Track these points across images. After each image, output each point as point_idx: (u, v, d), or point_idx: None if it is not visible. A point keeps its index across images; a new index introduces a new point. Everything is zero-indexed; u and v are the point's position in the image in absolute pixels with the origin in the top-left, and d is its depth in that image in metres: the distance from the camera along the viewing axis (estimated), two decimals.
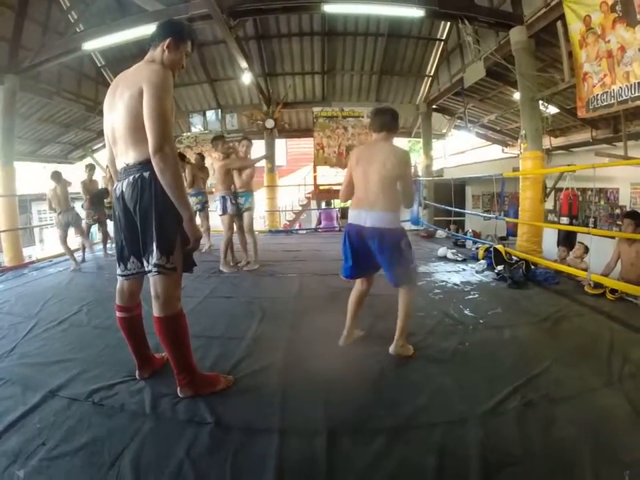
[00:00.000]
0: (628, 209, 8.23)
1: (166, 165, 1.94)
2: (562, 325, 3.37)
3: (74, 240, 7.56)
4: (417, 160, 12.73)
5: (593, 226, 9.00)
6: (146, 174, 2.03)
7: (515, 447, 1.84)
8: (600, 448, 1.79)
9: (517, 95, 7.88)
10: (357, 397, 2.26)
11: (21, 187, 8.00)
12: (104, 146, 2.38)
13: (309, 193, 16.64)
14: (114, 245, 2.51)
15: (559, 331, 3.27)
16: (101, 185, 7.41)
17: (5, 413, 2.09)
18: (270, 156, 6.59)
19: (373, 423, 2.03)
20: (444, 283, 4.72)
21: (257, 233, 8.25)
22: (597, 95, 5.51)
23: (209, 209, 7.24)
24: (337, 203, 14.07)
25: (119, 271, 2.30)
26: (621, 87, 5.08)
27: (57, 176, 6.11)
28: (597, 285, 4.18)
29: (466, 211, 12.52)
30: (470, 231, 10.71)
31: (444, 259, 6.15)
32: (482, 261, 5.49)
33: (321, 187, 12.63)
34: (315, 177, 12.73)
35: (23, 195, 8.51)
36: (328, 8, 7.07)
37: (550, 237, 8.33)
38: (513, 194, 10.44)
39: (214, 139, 5.59)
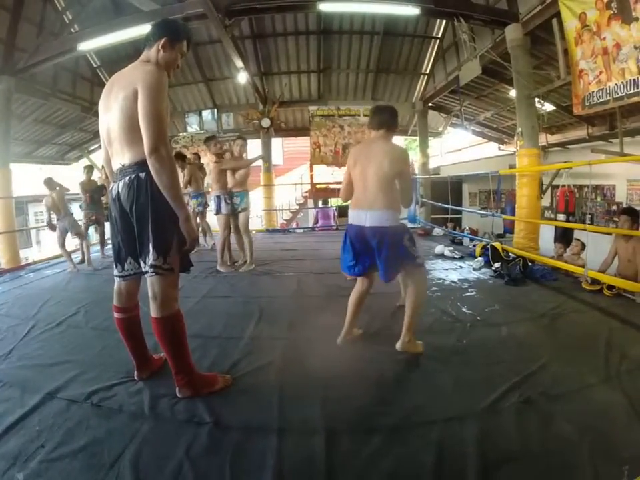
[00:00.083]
0: (624, 206, 8.28)
1: (162, 166, 1.94)
2: (559, 322, 3.38)
3: (71, 242, 7.53)
4: (414, 158, 12.72)
5: (589, 222, 9.03)
6: (142, 174, 2.03)
7: (513, 444, 1.84)
8: (598, 444, 1.80)
9: (512, 93, 7.90)
10: (355, 396, 2.26)
11: (17, 189, 7.97)
12: (100, 147, 2.37)
13: (305, 192, 16.64)
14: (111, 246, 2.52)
15: (557, 327, 3.28)
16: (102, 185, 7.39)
17: (4, 416, 2.09)
18: (264, 156, 6.61)
19: (372, 422, 2.03)
20: (441, 281, 4.73)
21: (253, 232, 8.28)
22: (593, 92, 5.52)
23: (207, 210, 7.25)
24: (333, 202, 14.08)
25: (116, 272, 2.29)
26: (616, 84, 5.09)
27: (49, 183, 6.09)
28: (594, 282, 4.20)
29: (463, 209, 12.53)
30: (467, 228, 10.72)
31: (441, 256, 6.16)
32: (479, 259, 5.50)
33: (317, 186, 12.65)
34: (311, 176, 12.75)
35: (19, 196, 8.47)
36: (323, 6, 7.07)
37: (547, 233, 8.36)
38: (510, 191, 10.46)
39: (206, 140, 5.59)
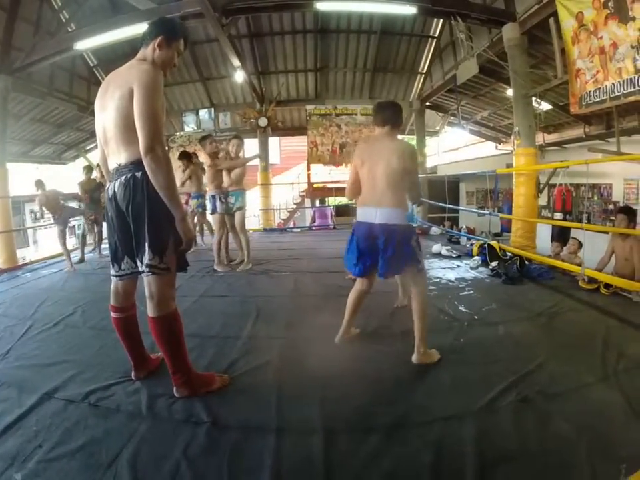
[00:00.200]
0: (621, 204, 8.31)
1: (157, 166, 1.93)
2: (556, 321, 3.39)
3: (70, 241, 7.54)
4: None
5: (586, 221, 9.06)
6: (138, 174, 2.02)
7: (511, 443, 1.85)
8: (596, 442, 1.80)
9: (510, 92, 7.92)
10: (353, 395, 2.26)
11: (14, 189, 7.94)
12: (97, 146, 2.36)
13: (303, 191, 16.65)
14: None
15: (554, 326, 3.28)
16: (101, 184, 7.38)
17: (1, 416, 2.08)
18: (261, 155, 6.58)
19: (370, 421, 2.03)
20: (438, 280, 4.73)
21: (250, 231, 8.27)
22: (590, 91, 5.54)
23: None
24: (331, 201, 14.08)
25: (112, 272, 2.29)
26: (613, 83, 5.10)
27: (40, 184, 6.08)
28: (591, 280, 4.21)
29: (460, 208, 12.56)
30: (464, 227, 10.76)
31: (438, 255, 6.17)
32: (476, 257, 5.51)
33: (314, 185, 12.65)
34: (308, 175, 12.76)
35: (16, 196, 8.44)
36: (320, 5, 7.06)
37: (544, 232, 8.37)
38: (507, 190, 10.50)
39: (202, 139, 5.57)
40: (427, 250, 6.53)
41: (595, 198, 9.80)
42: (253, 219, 13.10)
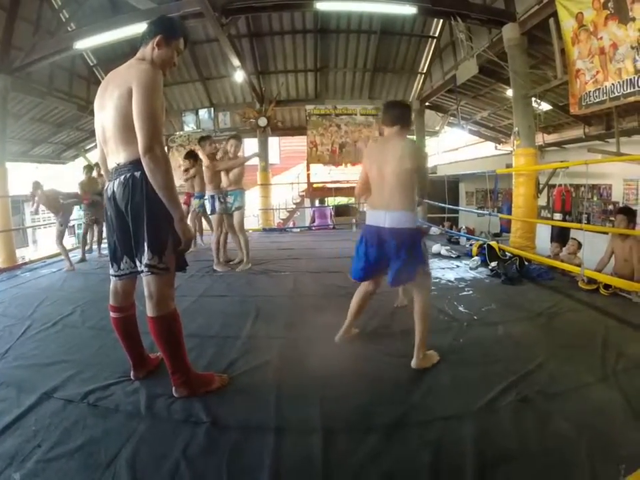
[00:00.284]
0: (621, 205, 8.30)
1: (156, 166, 1.93)
2: (556, 321, 3.39)
3: (68, 241, 7.54)
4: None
5: (586, 222, 9.07)
6: (137, 173, 2.02)
7: (511, 443, 1.85)
8: (595, 442, 1.81)
9: (509, 92, 7.92)
10: (353, 395, 2.26)
11: (13, 188, 7.94)
12: (96, 146, 2.36)
13: (302, 191, 16.64)
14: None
15: (553, 326, 3.28)
16: (100, 183, 7.37)
17: (0, 415, 2.08)
18: (260, 154, 6.55)
19: (369, 421, 2.03)
20: (438, 280, 4.73)
21: (250, 231, 8.26)
22: (590, 91, 5.54)
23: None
24: (330, 201, 14.07)
25: (112, 271, 2.28)
26: (613, 84, 5.11)
27: (37, 185, 6.07)
28: (591, 281, 4.21)
29: (460, 208, 12.57)
30: (464, 227, 10.77)
31: (438, 255, 6.16)
32: (476, 258, 5.51)
33: (314, 185, 12.64)
34: (308, 175, 12.75)
35: (15, 195, 8.43)
36: (320, 5, 7.06)
37: (543, 233, 8.38)
38: (507, 190, 10.49)
39: (201, 139, 5.56)
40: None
41: (595, 198, 9.80)
42: (252, 219, 13.10)
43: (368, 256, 2.72)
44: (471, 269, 5.24)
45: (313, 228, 10.98)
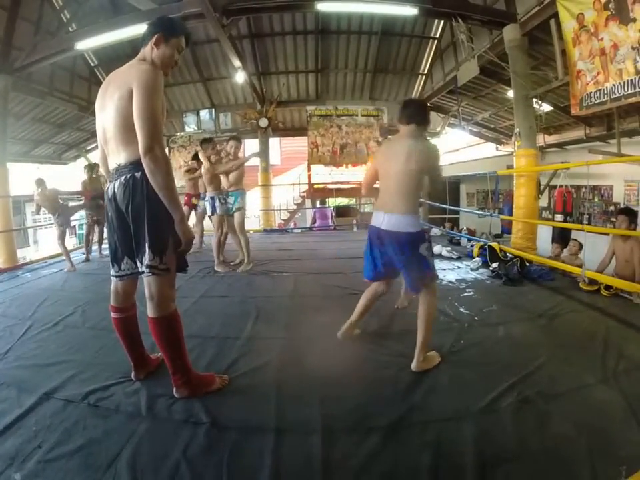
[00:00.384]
0: (622, 206, 8.30)
1: (156, 166, 1.92)
2: (557, 322, 3.38)
3: (69, 241, 7.55)
4: None
5: (587, 223, 9.06)
6: (137, 174, 2.02)
7: (511, 444, 1.85)
8: (596, 443, 1.81)
9: (510, 93, 7.92)
10: (353, 396, 2.26)
11: (14, 188, 7.95)
12: (97, 146, 2.36)
13: (303, 192, 16.63)
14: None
15: (554, 327, 3.28)
16: (102, 183, 7.38)
17: (1, 416, 2.08)
18: (258, 154, 6.47)
19: (369, 421, 2.03)
20: (439, 281, 4.70)
21: (251, 232, 8.26)
22: (591, 92, 5.53)
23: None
24: (331, 202, 14.06)
25: (112, 272, 2.28)
26: (614, 85, 5.10)
27: (40, 182, 6.09)
28: (592, 282, 4.20)
29: (460, 209, 12.55)
30: (465, 228, 10.74)
31: (439, 256, 6.15)
32: (477, 259, 5.50)
33: (315, 186, 12.63)
34: (309, 176, 12.73)
35: (16, 196, 8.44)
36: (321, 6, 7.06)
37: (544, 234, 8.37)
38: (508, 191, 10.49)
39: (203, 142, 5.55)
40: None
41: (596, 199, 9.80)
42: (253, 220, 13.10)
43: (374, 256, 2.73)
44: (472, 269, 5.23)
45: (314, 229, 10.98)
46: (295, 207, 17.53)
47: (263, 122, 11.78)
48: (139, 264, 2.12)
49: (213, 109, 12.56)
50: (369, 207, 12.57)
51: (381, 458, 1.78)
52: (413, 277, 2.60)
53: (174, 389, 2.23)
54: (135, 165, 2.01)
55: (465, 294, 4.23)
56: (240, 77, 9.64)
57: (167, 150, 11.76)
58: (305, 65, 11.59)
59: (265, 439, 1.90)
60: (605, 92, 5.27)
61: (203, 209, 6.81)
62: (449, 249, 6.37)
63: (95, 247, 7.33)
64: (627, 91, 4.92)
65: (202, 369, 2.51)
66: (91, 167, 7.15)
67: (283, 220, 16.29)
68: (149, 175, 1.94)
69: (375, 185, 2.89)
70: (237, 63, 8.72)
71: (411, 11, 7.05)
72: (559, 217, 9.87)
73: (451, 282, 4.70)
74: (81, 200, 7.11)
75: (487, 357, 2.72)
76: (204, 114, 12.61)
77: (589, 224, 9.14)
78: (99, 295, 4.21)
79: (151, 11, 6.63)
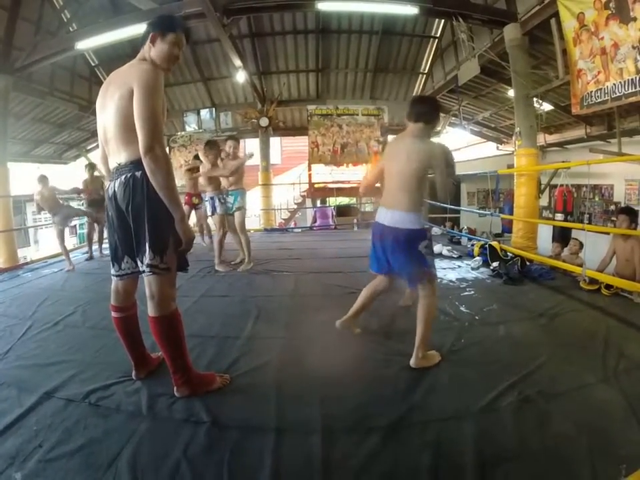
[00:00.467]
0: (622, 205, 8.29)
1: (157, 166, 1.92)
2: (557, 321, 3.38)
3: (69, 241, 7.55)
4: None
5: (587, 222, 9.05)
6: (138, 173, 2.02)
7: (512, 443, 1.85)
8: (596, 442, 1.81)
9: (511, 92, 7.92)
10: (353, 395, 2.26)
11: (15, 188, 7.95)
12: (98, 146, 2.36)
13: (304, 191, 16.63)
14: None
15: (555, 326, 3.28)
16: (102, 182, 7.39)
17: (1, 415, 2.08)
18: (252, 154, 6.40)
19: (369, 421, 2.03)
20: (439, 280, 4.70)
21: (251, 231, 8.25)
22: (591, 91, 5.53)
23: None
24: (332, 201, 14.06)
25: (113, 271, 2.28)
26: (614, 84, 5.09)
27: (42, 180, 6.10)
28: (592, 281, 4.20)
29: (461, 208, 12.54)
30: (465, 227, 10.72)
31: (439, 255, 6.14)
32: (477, 258, 5.50)
33: (316, 185, 12.64)
34: (309, 175, 12.74)
35: (17, 195, 8.44)
36: (322, 6, 7.06)
37: (545, 233, 8.36)
38: (508, 191, 10.47)
39: (210, 145, 5.47)
40: None
41: (596, 199, 9.79)
42: (253, 219, 13.10)
43: (377, 249, 2.74)
44: (472, 269, 5.23)
45: (315, 228, 10.98)
46: (296, 207, 17.51)
47: (264, 121, 11.80)
48: (139, 263, 2.12)
49: (214, 109, 12.56)
50: (370, 207, 12.58)
51: (381, 458, 1.78)
52: (410, 273, 2.61)
53: (174, 388, 2.23)
54: (135, 164, 2.01)
55: (466, 293, 4.23)
56: (240, 77, 9.65)
57: (167, 149, 11.76)
58: (305, 64, 11.59)
59: (266, 439, 1.90)
60: (606, 91, 5.26)
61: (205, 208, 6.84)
62: (449, 248, 6.38)
63: (95, 247, 7.34)
64: (628, 90, 4.92)
65: (202, 368, 2.51)
66: (92, 166, 7.16)
67: (284, 219, 16.28)
68: (150, 175, 1.94)
69: (376, 185, 2.89)
70: (237, 62, 8.72)
71: (411, 10, 7.04)
72: (559, 216, 9.86)
73: (451, 281, 4.70)
74: (82, 201, 7.11)
75: (487, 356, 2.72)
76: (204, 113, 12.60)
77: (590, 223, 9.12)
78: (99, 294, 4.21)
79: (152, 10, 6.62)
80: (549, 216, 10.71)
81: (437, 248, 6.35)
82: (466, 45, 7.49)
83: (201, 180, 5.60)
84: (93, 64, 10.98)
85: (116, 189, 2.08)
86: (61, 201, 6.39)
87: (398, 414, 2.07)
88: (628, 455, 1.70)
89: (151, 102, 1.93)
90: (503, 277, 4.64)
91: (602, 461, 1.69)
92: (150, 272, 2.07)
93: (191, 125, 12.68)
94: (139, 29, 6.48)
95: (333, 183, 12.49)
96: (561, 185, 9.14)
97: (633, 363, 2.54)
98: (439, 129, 13.72)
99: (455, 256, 6.02)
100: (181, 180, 8.21)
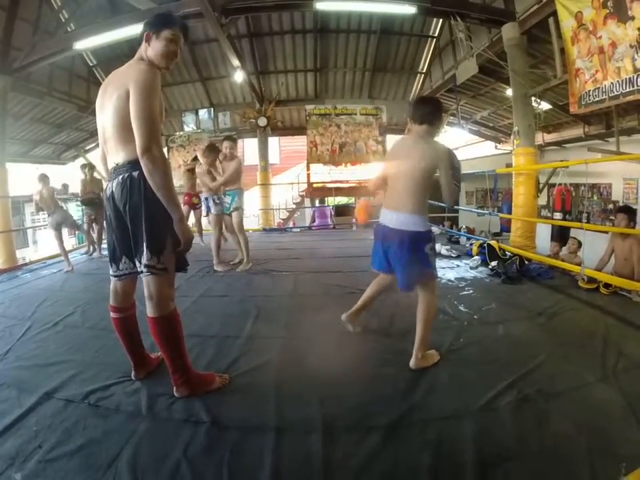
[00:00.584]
0: (621, 204, 8.31)
1: (154, 166, 1.92)
2: (556, 320, 3.38)
3: (68, 242, 7.55)
4: None
5: (586, 221, 9.06)
6: (135, 173, 2.02)
7: (511, 442, 1.85)
8: (595, 441, 1.81)
9: (509, 92, 7.90)
10: (353, 395, 2.26)
11: (13, 189, 7.94)
12: (97, 146, 2.36)
13: (302, 191, 16.62)
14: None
15: (553, 325, 3.28)
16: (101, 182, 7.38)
17: (1, 416, 2.08)
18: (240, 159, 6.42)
19: (369, 420, 2.03)
20: (438, 279, 4.70)
21: (250, 231, 8.24)
22: (589, 90, 5.54)
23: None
24: (330, 201, 14.06)
25: (111, 272, 2.28)
26: (612, 83, 5.11)
27: (43, 179, 6.09)
28: (591, 280, 4.20)
29: (460, 207, 12.53)
30: (464, 227, 10.74)
31: (438, 255, 6.15)
32: (476, 257, 5.50)
33: (314, 185, 12.62)
34: (308, 175, 12.73)
35: (15, 196, 8.43)
36: (320, 5, 7.05)
37: (543, 232, 8.38)
38: (507, 190, 10.49)
39: (210, 149, 5.43)
40: None
41: (595, 197, 9.80)
42: (252, 219, 13.09)
43: (378, 250, 2.73)
44: (471, 268, 5.24)
45: (313, 228, 10.98)
46: (294, 206, 17.52)
47: (262, 121, 11.79)
48: (137, 263, 2.12)
49: (212, 108, 12.54)
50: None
51: (381, 457, 1.78)
52: (411, 274, 2.58)
53: (174, 389, 2.23)
54: (133, 164, 2.01)
55: (464, 292, 4.23)
56: (239, 76, 9.63)
57: (165, 149, 11.76)
58: (303, 64, 11.58)
59: (265, 438, 1.90)
60: (604, 90, 5.28)
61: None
62: (448, 247, 6.38)
63: (91, 248, 7.33)
64: (626, 89, 4.93)
65: (202, 368, 2.51)
66: (91, 167, 7.16)
67: (282, 219, 16.28)
68: (147, 175, 1.94)
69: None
70: (235, 62, 8.71)
71: (409, 9, 7.03)
72: (557, 215, 9.87)
73: (450, 280, 4.70)
74: (78, 202, 7.13)
75: (486, 355, 2.72)
76: (203, 113, 12.59)
77: (588, 222, 9.15)
78: (98, 294, 4.21)
79: (150, 10, 6.59)
80: (547, 215, 10.72)
81: (436, 247, 6.36)
82: (464, 44, 7.49)
83: (198, 180, 5.59)
84: (91, 64, 10.97)
85: (114, 189, 2.08)
86: (60, 203, 6.38)
87: (398, 413, 2.08)
88: (627, 454, 1.71)
89: (147, 102, 1.92)
90: (501, 276, 4.65)
91: (601, 460, 1.69)
92: (148, 272, 2.07)
93: (189, 124, 12.66)
94: (137, 29, 6.43)
95: (331, 182, 12.47)
96: (560, 184, 9.15)
97: (632, 362, 2.55)
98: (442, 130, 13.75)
99: (454, 255, 6.03)
100: (179, 180, 8.20)
